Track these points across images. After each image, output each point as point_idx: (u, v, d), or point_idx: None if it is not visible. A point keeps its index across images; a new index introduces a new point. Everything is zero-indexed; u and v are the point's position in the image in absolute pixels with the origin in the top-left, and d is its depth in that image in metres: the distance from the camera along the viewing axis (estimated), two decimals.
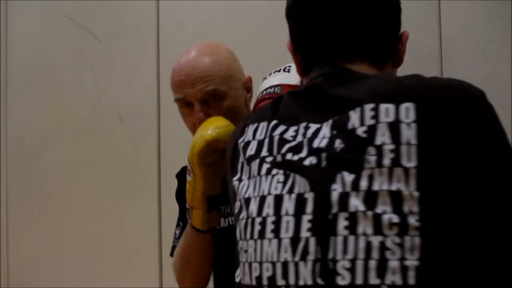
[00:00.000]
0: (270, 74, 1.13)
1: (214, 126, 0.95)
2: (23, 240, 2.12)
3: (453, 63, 1.39)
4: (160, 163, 1.79)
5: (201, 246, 1.03)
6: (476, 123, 0.63)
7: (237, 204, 0.74)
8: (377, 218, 0.60)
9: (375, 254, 0.60)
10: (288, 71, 1.09)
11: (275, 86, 1.06)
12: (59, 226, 2.01)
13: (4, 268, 2.16)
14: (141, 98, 1.82)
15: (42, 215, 2.06)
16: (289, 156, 0.68)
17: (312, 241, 0.63)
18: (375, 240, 0.60)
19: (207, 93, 1.01)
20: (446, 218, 0.60)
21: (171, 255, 1.13)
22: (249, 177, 0.73)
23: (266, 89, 1.08)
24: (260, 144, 0.73)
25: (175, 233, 1.14)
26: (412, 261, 0.59)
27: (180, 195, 1.10)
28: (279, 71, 1.10)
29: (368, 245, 0.60)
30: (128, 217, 1.85)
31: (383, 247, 0.60)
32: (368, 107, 0.65)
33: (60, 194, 2.01)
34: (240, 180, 0.75)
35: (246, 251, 0.70)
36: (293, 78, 1.06)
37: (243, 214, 0.72)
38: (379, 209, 0.60)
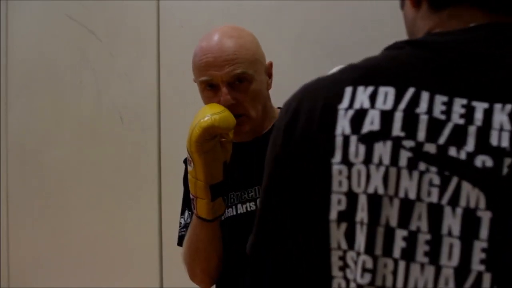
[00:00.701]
0: None
1: (210, 113, 0.94)
2: (23, 240, 2.12)
3: None
4: (160, 163, 1.79)
5: (209, 236, 1.02)
6: None
7: (336, 198, 0.54)
8: None
9: None
10: None
11: None
12: (59, 226, 2.01)
13: (4, 268, 2.16)
14: (142, 97, 1.82)
15: (42, 215, 2.06)
16: (452, 151, 0.50)
17: (487, 277, 0.48)
18: None
19: (236, 76, 1.01)
20: None
21: (179, 244, 1.12)
22: (367, 162, 0.52)
23: None
24: (388, 117, 0.52)
25: (180, 222, 1.14)
26: None
27: (186, 180, 1.10)
28: None
29: None
30: (128, 217, 1.85)
31: None
32: None
33: (60, 194, 2.01)
34: (347, 163, 0.53)
35: (369, 271, 0.52)
36: None
37: (362, 216, 0.52)
38: None
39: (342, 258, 0.54)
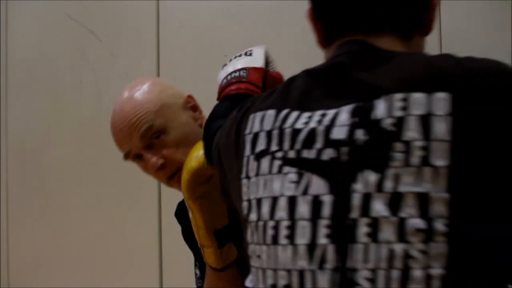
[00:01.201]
0: (230, 60, 1.03)
1: (196, 154, 0.87)
2: (23, 240, 2.12)
3: None
4: None
5: (227, 283, 0.94)
6: None
7: (245, 204, 0.68)
8: (401, 224, 0.55)
9: (398, 263, 0.55)
10: (250, 54, 1.00)
11: (239, 70, 0.96)
12: (59, 226, 2.01)
13: (4, 268, 2.16)
14: None
15: (42, 215, 2.06)
16: (302, 151, 0.61)
17: (331, 248, 0.58)
18: (399, 248, 0.55)
19: (145, 135, 0.95)
20: (476, 223, 0.54)
21: None
22: (257, 174, 0.66)
23: (230, 73, 0.99)
24: (269, 136, 0.66)
25: (196, 273, 1.07)
26: (437, 270, 0.54)
27: (186, 235, 1.04)
28: (240, 55, 1.01)
29: (391, 253, 0.55)
30: (128, 217, 1.85)
31: (406, 256, 0.54)
32: (397, 96, 0.57)
33: (60, 193, 2.01)
34: (247, 177, 0.67)
35: (259, 257, 0.65)
36: (257, 61, 0.97)
37: (253, 215, 0.66)
38: (403, 213, 0.55)
39: (251, 250, 0.68)
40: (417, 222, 0.54)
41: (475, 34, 1.39)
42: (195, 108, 1.04)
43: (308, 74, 0.68)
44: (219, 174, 0.79)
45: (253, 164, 0.67)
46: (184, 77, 1.73)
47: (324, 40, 0.72)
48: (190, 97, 1.04)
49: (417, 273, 0.54)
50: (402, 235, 0.55)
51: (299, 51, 1.46)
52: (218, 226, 0.90)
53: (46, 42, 2.07)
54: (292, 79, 0.70)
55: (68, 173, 1.99)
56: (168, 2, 1.80)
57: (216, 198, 0.89)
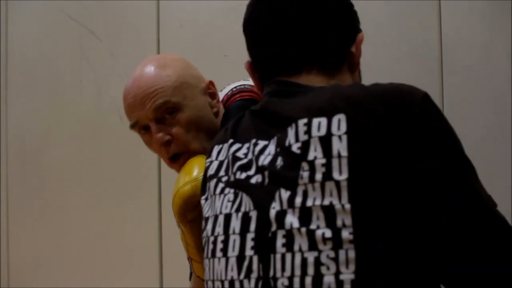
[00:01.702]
0: (234, 82, 1.06)
1: (193, 176, 0.84)
2: (23, 240, 2.12)
3: (453, 62, 1.38)
4: (160, 162, 1.79)
5: None
6: (414, 133, 0.60)
7: (204, 222, 0.74)
8: (311, 234, 0.59)
9: (310, 270, 0.59)
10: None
11: (243, 84, 0.98)
12: (59, 226, 2.01)
13: (4, 268, 2.15)
14: None
15: (42, 215, 2.06)
16: (238, 174, 0.69)
17: (255, 259, 0.63)
18: (310, 256, 0.59)
19: (159, 109, 0.92)
20: (380, 229, 0.59)
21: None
22: (207, 197, 0.74)
23: (236, 86, 1.00)
24: (220, 164, 0.74)
25: (189, 266, 1.04)
26: (347, 275, 0.58)
27: None
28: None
29: (304, 261, 0.59)
30: (128, 217, 1.85)
31: (318, 263, 0.59)
32: (302, 122, 0.64)
33: (60, 193, 2.01)
34: (205, 199, 0.75)
35: (205, 270, 0.71)
36: None
37: (204, 233, 0.73)
38: (313, 225, 0.60)
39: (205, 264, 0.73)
40: (325, 232, 0.59)
41: (475, 34, 1.39)
42: (213, 95, 1.01)
43: (250, 113, 0.76)
44: None
45: (207, 188, 0.75)
46: None
47: (261, 88, 0.78)
48: (211, 83, 1.01)
49: (329, 278, 0.58)
50: (313, 244, 0.59)
51: None
52: None
53: (46, 42, 2.07)
54: (242, 116, 0.77)
55: (68, 173, 1.99)
56: (168, 2, 1.80)
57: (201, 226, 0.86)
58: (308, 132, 0.63)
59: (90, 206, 1.93)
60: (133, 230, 1.83)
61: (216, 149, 0.77)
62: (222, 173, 0.73)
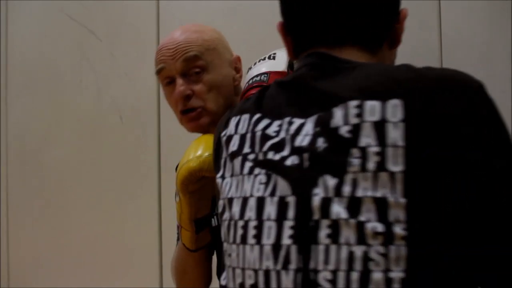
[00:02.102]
0: (255, 63, 1.08)
1: (201, 152, 0.89)
2: (23, 239, 2.12)
3: (453, 63, 1.39)
4: (160, 162, 1.79)
5: (195, 262, 1.00)
6: (473, 124, 0.57)
7: (221, 203, 0.70)
8: (360, 227, 0.56)
9: (357, 265, 0.56)
10: (274, 58, 1.04)
11: (261, 74, 1.00)
12: (59, 226, 2.01)
13: (4, 268, 2.16)
14: (142, 97, 1.82)
15: (42, 214, 2.06)
16: (270, 155, 0.64)
17: (294, 249, 0.59)
18: (358, 250, 0.56)
19: (188, 61, 0.97)
20: (435, 227, 0.55)
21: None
22: (232, 175, 0.69)
23: (253, 77, 1.03)
24: (242, 139, 0.69)
25: (177, 232, 1.12)
26: (397, 273, 0.55)
27: None
28: (264, 59, 1.05)
29: (351, 255, 0.56)
30: (128, 217, 1.85)
31: (366, 258, 0.56)
32: (352, 104, 0.60)
33: (60, 193, 2.01)
34: (223, 177, 0.70)
35: (230, 255, 0.67)
36: (279, 65, 1.01)
37: (227, 214, 0.68)
38: (362, 217, 0.56)
39: (226, 247, 0.70)
40: (376, 226, 0.56)
41: (475, 34, 1.39)
42: (238, 70, 1.07)
43: (278, 85, 0.71)
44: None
45: (228, 165, 0.70)
46: None
47: (293, 53, 0.75)
48: (238, 59, 1.08)
49: (377, 275, 0.55)
50: (362, 237, 0.56)
51: None
52: (199, 216, 0.94)
53: (46, 42, 2.07)
54: (266, 88, 0.73)
55: (68, 173, 1.99)
56: (168, 2, 1.80)
57: (205, 194, 0.93)
58: (360, 115, 0.59)
59: (90, 206, 1.93)
60: (133, 230, 1.83)
61: (233, 120, 0.72)
62: (246, 149, 0.67)
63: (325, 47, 0.69)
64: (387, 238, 0.55)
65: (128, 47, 1.87)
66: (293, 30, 0.74)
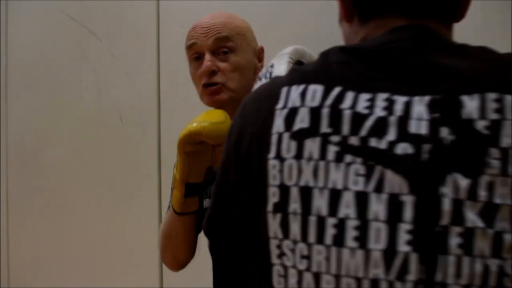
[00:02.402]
0: (260, 79, 1.13)
1: (206, 119, 0.95)
2: (23, 239, 2.12)
3: None
4: (160, 162, 1.79)
5: (180, 227, 1.04)
6: None
7: (274, 190, 0.58)
8: (497, 238, 0.49)
9: (492, 281, 0.49)
10: (272, 67, 1.04)
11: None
12: (59, 226, 2.01)
13: (4, 268, 2.16)
14: (142, 97, 1.82)
15: (42, 214, 2.06)
16: (373, 141, 0.53)
17: (414, 257, 0.51)
18: (493, 264, 0.49)
19: (219, 41, 1.04)
20: None
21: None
22: (299, 157, 0.56)
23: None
24: (316, 114, 0.56)
25: (170, 195, 1.17)
26: None
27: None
28: (266, 67, 1.05)
29: (486, 269, 0.49)
30: (129, 216, 1.85)
31: (501, 273, 0.49)
32: (491, 96, 0.51)
33: (60, 193, 2.01)
34: (280, 158, 0.57)
35: (306, 257, 0.56)
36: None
37: (295, 207, 0.56)
38: (498, 227, 0.49)
39: (279, 247, 0.58)
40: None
41: (475, 34, 1.39)
42: (260, 59, 1.13)
43: (351, 53, 0.60)
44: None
45: (289, 144, 0.57)
46: (184, 77, 1.72)
47: (352, 15, 0.64)
48: (262, 49, 1.14)
49: None
50: (497, 250, 0.50)
51: None
52: (191, 181, 0.99)
53: (46, 42, 2.07)
54: (325, 54, 0.62)
55: (68, 173, 1.99)
56: (168, 2, 1.80)
57: (201, 161, 0.98)
58: (500, 110, 0.51)
59: (90, 206, 1.93)
60: (133, 229, 1.83)
61: (294, 90, 0.59)
62: (325, 128, 0.55)
63: (405, 17, 0.60)
64: None
65: (128, 47, 1.87)
66: None
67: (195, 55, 1.07)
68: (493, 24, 1.37)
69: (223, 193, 0.67)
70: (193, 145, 0.96)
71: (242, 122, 0.64)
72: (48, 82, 2.06)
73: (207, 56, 1.03)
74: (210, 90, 1.04)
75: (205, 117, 0.97)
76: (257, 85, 0.97)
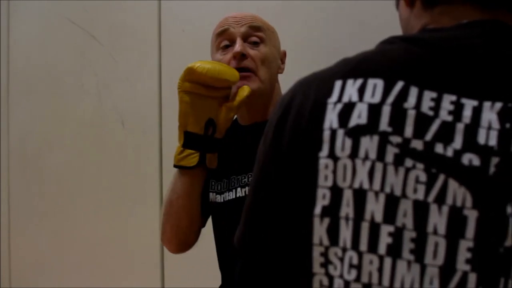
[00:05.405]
0: None
1: (209, 62, 0.97)
2: (25, 242, 2.12)
3: None
4: (161, 166, 1.80)
5: (180, 188, 1.02)
6: None
7: (323, 192, 0.53)
8: None
9: None
10: None
11: None
12: (60, 228, 2.01)
13: (6, 270, 2.16)
14: (143, 101, 1.83)
15: (43, 217, 2.06)
16: (439, 147, 0.49)
17: (473, 277, 0.47)
18: None
19: (252, 29, 1.05)
20: None
21: None
22: (353, 156, 0.51)
23: None
24: (376, 111, 0.51)
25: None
26: None
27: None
28: None
29: None
30: (130, 220, 1.85)
31: None
32: None
33: (62, 196, 2.02)
34: (333, 157, 0.52)
35: (356, 267, 0.51)
36: None
37: (347, 211, 0.51)
38: None
39: (324, 255, 0.53)
40: None
41: None
42: (282, 61, 1.14)
43: (415, 44, 0.54)
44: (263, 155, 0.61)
45: (343, 141, 0.52)
46: None
47: (417, 1, 0.59)
48: (285, 54, 1.16)
49: None
50: None
51: (300, 52, 1.47)
52: (189, 129, 0.98)
53: (47, 47, 2.08)
54: (384, 51, 0.56)
55: (69, 177, 2.00)
56: (170, 6, 1.81)
57: (200, 107, 0.98)
58: None
59: (91, 210, 1.94)
60: (134, 232, 1.84)
61: (350, 84, 0.54)
62: (385, 127, 0.50)
63: (477, 6, 0.55)
64: None
65: (130, 51, 1.87)
66: None
67: (225, 43, 1.06)
68: None
69: (261, 199, 0.60)
70: (193, 85, 0.96)
71: (283, 115, 0.58)
72: (50, 86, 2.07)
73: (239, 41, 1.04)
74: (242, 76, 1.02)
75: (210, 61, 0.99)
76: None
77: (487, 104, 0.49)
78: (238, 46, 1.02)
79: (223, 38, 1.06)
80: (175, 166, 1.01)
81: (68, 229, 1.99)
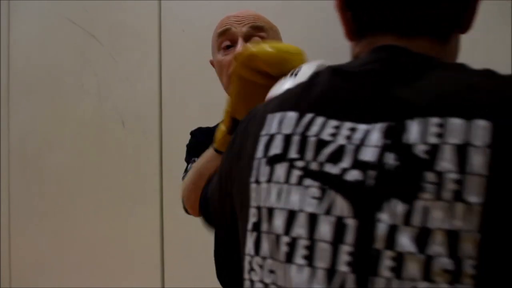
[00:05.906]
0: (279, 81, 1.11)
1: (274, 45, 0.87)
2: (25, 242, 2.13)
3: None
4: (162, 166, 1.80)
5: (216, 167, 0.97)
6: None
7: (253, 211, 0.62)
8: (428, 262, 0.50)
9: None
10: (296, 74, 1.03)
11: None
12: (60, 228, 2.01)
13: (6, 271, 2.16)
14: (143, 101, 1.83)
15: (43, 217, 2.06)
16: (328, 167, 0.56)
17: (351, 278, 0.53)
18: (422, 287, 0.50)
19: (254, 29, 1.03)
20: (509, 268, 0.49)
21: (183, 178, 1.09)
22: (269, 181, 0.60)
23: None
24: (287, 141, 0.60)
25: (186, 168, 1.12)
26: None
27: (191, 149, 1.12)
28: (288, 75, 1.07)
29: None
30: (130, 220, 1.85)
31: None
32: (433, 121, 0.51)
33: (62, 196, 2.02)
34: (257, 182, 0.62)
35: (273, 272, 0.59)
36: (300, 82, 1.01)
37: (265, 226, 0.60)
38: (431, 251, 0.50)
39: (250, 263, 0.62)
40: (445, 262, 0.50)
41: (475, 33, 1.39)
42: None
43: (335, 73, 0.61)
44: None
45: (264, 169, 0.61)
46: (186, 81, 1.73)
47: (352, 32, 0.65)
48: None
49: None
50: (427, 273, 0.50)
51: None
52: (237, 116, 0.92)
53: (48, 47, 2.08)
54: (315, 76, 0.63)
55: (69, 177, 2.00)
56: (170, 6, 1.81)
57: (255, 96, 0.89)
58: (441, 135, 0.51)
59: (91, 210, 1.94)
60: (134, 232, 1.84)
61: (274, 118, 0.62)
62: (293, 154, 0.58)
63: (394, 35, 0.61)
64: (455, 276, 0.49)
65: (130, 51, 1.87)
66: (355, 7, 0.64)
67: (227, 43, 1.05)
68: (493, 25, 1.38)
69: (217, 200, 0.73)
70: (251, 72, 0.87)
71: (238, 140, 0.68)
72: (50, 86, 2.07)
73: (240, 41, 1.02)
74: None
75: (275, 43, 0.89)
76: (281, 82, 0.96)
77: (377, 126, 0.55)
78: (239, 48, 1.01)
79: (225, 38, 1.05)
80: (216, 150, 0.96)
81: (68, 229, 1.99)
